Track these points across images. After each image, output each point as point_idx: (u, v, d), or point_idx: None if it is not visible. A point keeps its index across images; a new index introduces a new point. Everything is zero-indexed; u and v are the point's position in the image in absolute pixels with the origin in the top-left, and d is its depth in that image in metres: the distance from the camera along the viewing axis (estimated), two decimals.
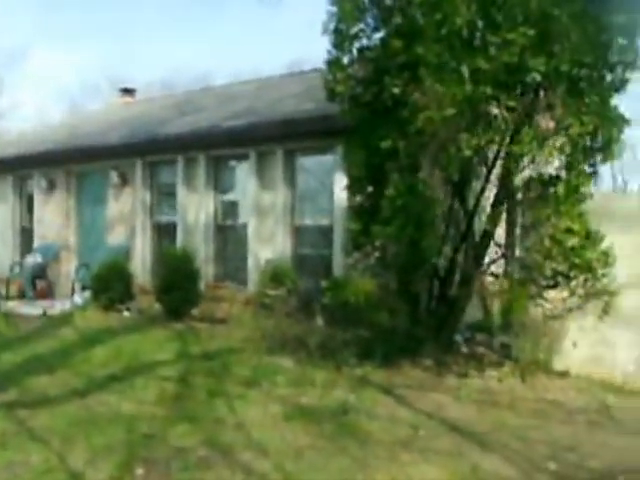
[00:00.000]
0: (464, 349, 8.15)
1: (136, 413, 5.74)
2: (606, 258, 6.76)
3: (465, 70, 6.36)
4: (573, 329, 7.59)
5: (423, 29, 6.50)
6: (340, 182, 9.98)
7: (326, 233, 10.50)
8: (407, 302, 7.92)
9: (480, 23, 6.81)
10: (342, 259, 9.98)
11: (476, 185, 7.38)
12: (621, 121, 6.37)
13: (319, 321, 9.11)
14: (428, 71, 6.35)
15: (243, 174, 11.62)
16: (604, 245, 6.79)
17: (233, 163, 12.07)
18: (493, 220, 7.04)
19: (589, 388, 7.20)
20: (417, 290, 7.86)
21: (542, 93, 5.97)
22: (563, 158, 6.37)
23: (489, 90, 5.82)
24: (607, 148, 6.42)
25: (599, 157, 6.56)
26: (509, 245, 7.86)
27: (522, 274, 7.23)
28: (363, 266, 8.48)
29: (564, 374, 7.55)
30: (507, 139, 5.96)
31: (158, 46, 51.33)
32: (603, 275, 6.79)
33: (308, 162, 11.07)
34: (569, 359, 7.68)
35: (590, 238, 6.70)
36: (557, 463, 5.06)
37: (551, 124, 6.15)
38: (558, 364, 7.71)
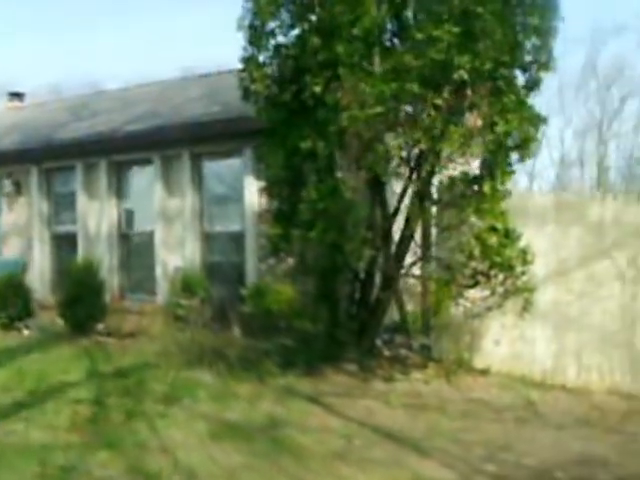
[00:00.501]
0: (386, 352, 8.07)
1: (49, 442, 5.23)
2: (525, 256, 6.84)
3: (378, 69, 6.30)
4: (493, 327, 7.67)
5: (339, 27, 6.38)
6: (251, 186, 9.75)
7: (237, 239, 10.22)
8: (327, 307, 7.76)
9: (390, 24, 6.83)
10: (255, 265, 9.74)
11: (396, 185, 7.31)
12: (538, 120, 6.46)
13: (236, 331, 8.78)
14: (346, 70, 6.24)
15: (148, 179, 11.13)
16: (522, 243, 6.87)
17: (136, 168, 11.54)
18: (414, 221, 6.98)
19: (511, 385, 7.28)
20: (338, 295, 7.71)
21: (468, 91, 5.97)
22: (487, 156, 6.38)
23: (416, 88, 5.74)
24: (525, 146, 6.49)
25: (516, 155, 6.62)
26: (426, 246, 7.85)
27: (443, 274, 7.21)
28: (280, 272, 8.26)
29: (485, 372, 7.61)
30: (434, 138, 5.89)
31: (40, 48, 48.50)
32: (522, 273, 6.87)
33: (216, 166, 10.76)
34: (489, 357, 7.75)
35: (509, 236, 6.76)
36: (495, 464, 5.03)
37: (478, 122, 6.15)
38: (479, 362, 7.76)
